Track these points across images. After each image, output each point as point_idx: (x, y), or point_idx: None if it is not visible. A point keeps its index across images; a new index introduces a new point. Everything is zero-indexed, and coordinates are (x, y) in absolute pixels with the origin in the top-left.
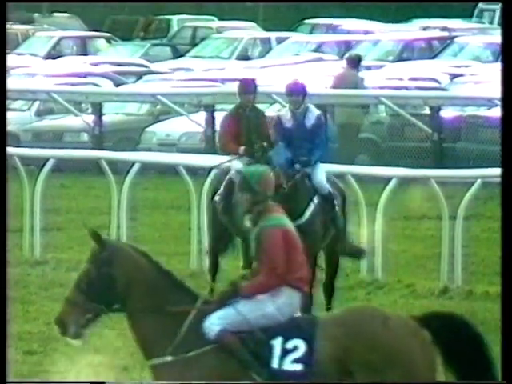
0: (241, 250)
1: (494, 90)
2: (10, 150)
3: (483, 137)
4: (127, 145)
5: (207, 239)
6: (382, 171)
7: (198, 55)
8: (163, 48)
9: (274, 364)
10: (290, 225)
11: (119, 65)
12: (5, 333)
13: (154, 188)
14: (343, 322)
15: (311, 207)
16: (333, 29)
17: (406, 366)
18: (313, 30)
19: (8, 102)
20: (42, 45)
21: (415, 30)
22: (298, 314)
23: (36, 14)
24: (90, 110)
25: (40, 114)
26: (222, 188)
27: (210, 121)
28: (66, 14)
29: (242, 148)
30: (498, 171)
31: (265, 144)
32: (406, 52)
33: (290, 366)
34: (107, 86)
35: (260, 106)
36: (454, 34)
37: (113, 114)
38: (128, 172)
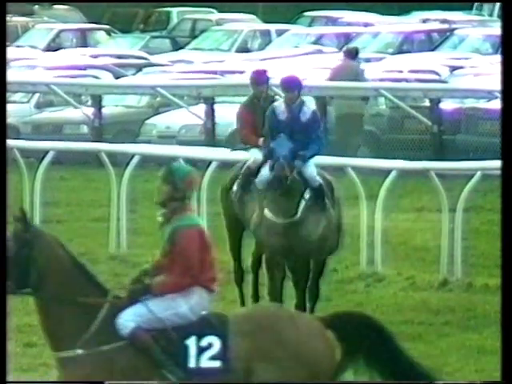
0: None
1: (494, 82)
2: (9, 142)
3: (483, 129)
4: (127, 137)
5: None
6: (381, 163)
7: (198, 47)
8: (163, 40)
9: (191, 363)
10: (203, 225)
11: (119, 57)
12: (5, 328)
13: (154, 180)
14: (253, 319)
15: (303, 203)
16: (332, 21)
17: (311, 364)
18: (312, 22)
19: (8, 94)
20: (41, 37)
21: (415, 22)
22: (209, 313)
23: (36, 6)
24: (89, 103)
25: (40, 106)
26: (239, 178)
27: (210, 113)
28: (65, 7)
29: (261, 139)
30: (497, 163)
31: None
32: (406, 44)
33: (206, 363)
34: (107, 78)
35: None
36: (453, 26)
37: (112, 107)
38: (128, 164)
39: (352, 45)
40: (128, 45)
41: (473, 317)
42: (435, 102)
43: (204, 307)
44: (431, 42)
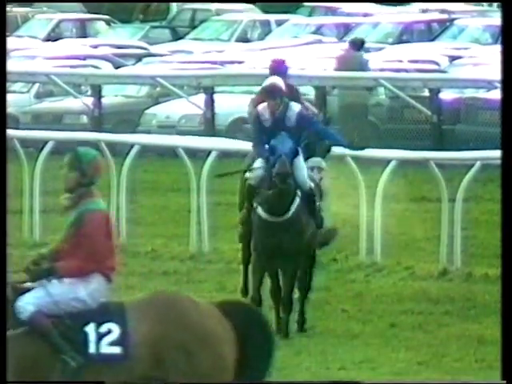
0: None
1: (494, 72)
2: (9, 132)
3: (482, 119)
4: (126, 127)
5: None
6: (381, 153)
7: (198, 37)
8: (163, 30)
9: (91, 348)
10: (108, 211)
11: (119, 47)
12: (5, 328)
13: (154, 170)
14: (154, 305)
15: (295, 203)
16: (332, 11)
17: (216, 347)
18: (312, 12)
19: (7, 84)
20: (41, 27)
21: (415, 12)
22: (107, 300)
23: None
24: (89, 92)
25: (39, 96)
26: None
27: (210, 103)
28: None
29: None
30: (497, 153)
31: None
32: (406, 34)
33: (106, 348)
34: (107, 68)
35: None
36: (453, 16)
37: (112, 97)
38: (127, 154)
39: (357, 36)
40: (128, 35)
41: (472, 306)
42: (435, 91)
43: (102, 294)
44: (431, 32)
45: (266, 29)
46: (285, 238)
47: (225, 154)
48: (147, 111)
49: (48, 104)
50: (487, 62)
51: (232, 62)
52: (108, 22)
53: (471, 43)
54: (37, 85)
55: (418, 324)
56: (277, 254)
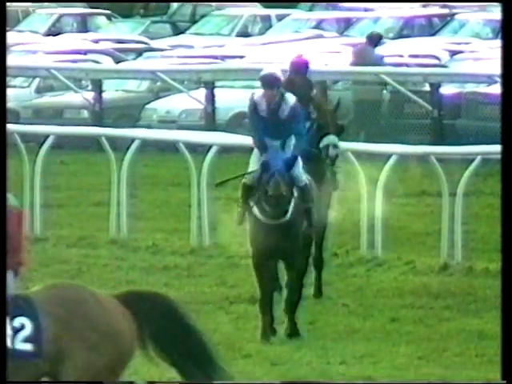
0: None
1: (494, 66)
2: (10, 126)
3: (483, 113)
4: (127, 122)
5: None
6: (381, 148)
7: (198, 32)
8: (163, 25)
9: (9, 343)
10: (19, 207)
11: (119, 42)
12: (5, 329)
13: (154, 165)
14: (56, 298)
15: (292, 204)
16: (333, 6)
17: (118, 340)
18: (313, 7)
19: (8, 78)
20: (42, 22)
21: (415, 7)
22: (15, 294)
23: None
24: (90, 87)
25: (40, 90)
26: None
27: (210, 98)
28: None
29: None
30: (497, 148)
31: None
32: (406, 29)
33: (21, 345)
34: (107, 62)
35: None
36: (454, 10)
37: (113, 91)
38: (128, 149)
39: (376, 31)
40: (128, 29)
41: (473, 301)
42: (435, 86)
43: (11, 289)
44: (431, 26)
45: (267, 23)
46: (283, 240)
47: (225, 149)
48: (148, 106)
49: (49, 99)
50: (488, 57)
51: (233, 57)
52: (109, 17)
53: (472, 38)
54: (37, 79)
55: (419, 318)
56: (275, 256)
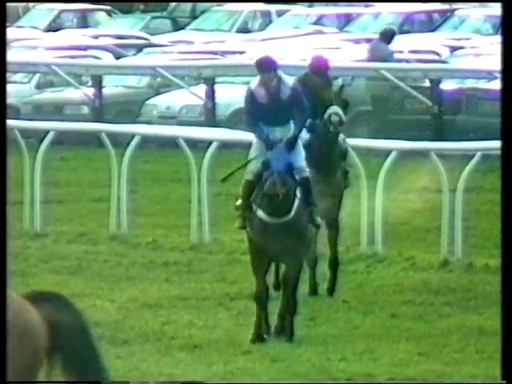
0: None
1: (494, 62)
2: (10, 122)
3: (483, 109)
4: (127, 117)
5: None
6: (381, 144)
7: (198, 28)
8: (163, 21)
9: None
10: None
11: (119, 37)
12: (5, 329)
13: (154, 161)
14: None
15: (296, 200)
16: (333, 2)
17: (33, 339)
18: (313, 3)
19: (8, 74)
20: (42, 17)
21: (415, 2)
22: None
23: None
24: (90, 83)
25: (40, 86)
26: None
27: (210, 93)
28: None
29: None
30: (497, 144)
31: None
32: (407, 25)
33: None
34: (107, 58)
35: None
36: (454, 6)
37: (113, 87)
38: (128, 145)
39: (389, 26)
40: (128, 25)
41: (473, 297)
42: (435, 82)
43: None
44: (432, 22)
45: (267, 19)
46: (287, 240)
47: (225, 145)
48: (148, 102)
49: (49, 94)
50: (488, 53)
51: (233, 53)
52: (109, 13)
53: (472, 33)
54: (38, 75)
55: (419, 315)
56: (279, 256)
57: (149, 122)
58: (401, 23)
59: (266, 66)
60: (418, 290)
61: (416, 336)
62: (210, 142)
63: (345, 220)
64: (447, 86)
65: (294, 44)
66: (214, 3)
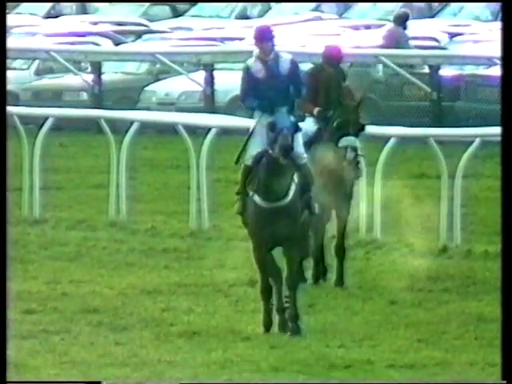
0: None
1: (494, 49)
2: (9, 108)
3: (482, 96)
4: (126, 104)
5: None
6: (381, 130)
7: (198, 14)
8: (163, 7)
9: None
10: None
11: (119, 24)
12: (5, 329)
13: (153, 147)
14: None
15: (293, 184)
16: None
17: None
18: None
19: (8, 61)
20: (41, 4)
21: None
22: None
23: None
24: (89, 69)
25: (39, 73)
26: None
27: (209, 80)
28: None
29: (316, 109)
30: (497, 130)
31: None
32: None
33: None
34: (107, 45)
35: None
36: None
37: (112, 73)
38: (127, 131)
39: (402, 10)
40: (128, 12)
41: (472, 284)
42: (435, 68)
43: None
44: (431, 8)
45: (266, 6)
46: (286, 224)
47: (224, 131)
48: (147, 88)
49: (48, 81)
50: (487, 39)
51: (232, 39)
52: None
53: (471, 20)
54: (37, 62)
55: (418, 301)
56: (278, 241)
57: (148, 109)
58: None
59: (264, 35)
60: (417, 277)
61: (415, 323)
62: (209, 129)
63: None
64: (446, 72)
65: (293, 30)
66: None
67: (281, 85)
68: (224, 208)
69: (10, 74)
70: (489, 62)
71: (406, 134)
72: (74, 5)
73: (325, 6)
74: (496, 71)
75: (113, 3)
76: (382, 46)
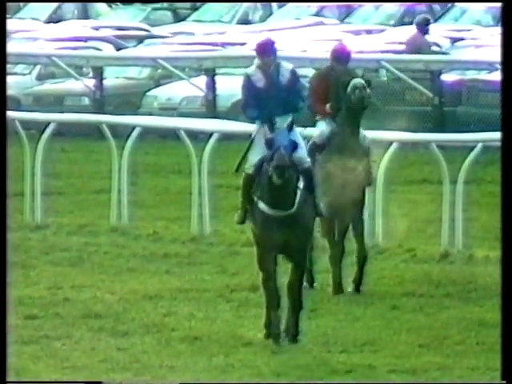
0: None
1: (495, 54)
2: (10, 114)
3: (484, 101)
4: (128, 109)
5: None
6: (382, 135)
7: (199, 19)
8: (164, 12)
9: None
10: None
11: (120, 29)
12: (5, 330)
13: (155, 152)
14: None
15: (298, 193)
16: None
17: None
18: None
19: (9, 66)
20: (43, 9)
21: None
22: None
23: None
24: (90, 74)
25: (41, 78)
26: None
27: (211, 85)
28: None
29: (327, 106)
30: (498, 135)
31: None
32: (407, 16)
33: None
34: (108, 50)
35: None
36: None
37: (114, 78)
38: (129, 136)
39: (422, 15)
40: (129, 16)
41: (474, 289)
42: (436, 73)
43: None
44: (432, 13)
45: (268, 11)
46: (292, 233)
47: (226, 136)
48: (148, 93)
49: (49, 86)
50: (489, 44)
51: (233, 44)
52: (110, 4)
53: (473, 25)
54: (38, 67)
55: (420, 307)
56: (284, 250)
57: (149, 114)
58: (402, 15)
59: (266, 50)
60: (418, 282)
61: (416, 328)
62: (211, 134)
63: None
64: (448, 77)
65: (295, 35)
66: None
67: (281, 95)
68: (225, 213)
69: (11, 79)
70: (490, 67)
71: (408, 139)
72: (75, 10)
73: (326, 11)
74: (498, 76)
75: (114, 8)
76: (404, 52)
